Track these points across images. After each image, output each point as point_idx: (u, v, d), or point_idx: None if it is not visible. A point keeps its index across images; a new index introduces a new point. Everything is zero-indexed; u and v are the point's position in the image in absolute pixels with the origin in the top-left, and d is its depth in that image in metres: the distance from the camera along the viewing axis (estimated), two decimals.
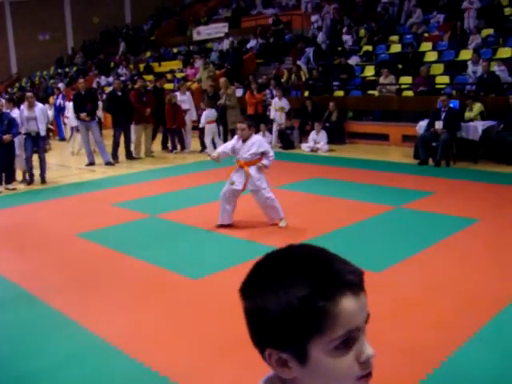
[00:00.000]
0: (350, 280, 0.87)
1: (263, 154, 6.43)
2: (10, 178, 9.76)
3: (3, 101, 10.93)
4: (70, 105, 13.43)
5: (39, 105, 10.22)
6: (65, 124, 17.13)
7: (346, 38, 17.10)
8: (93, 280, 5.14)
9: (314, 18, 19.16)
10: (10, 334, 4.08)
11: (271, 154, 6.46)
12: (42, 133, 9.93)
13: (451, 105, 10.61)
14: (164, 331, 4.02)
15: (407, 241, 5.88)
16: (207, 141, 12.91)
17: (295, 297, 0.85)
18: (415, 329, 3.86)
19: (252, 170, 6.38)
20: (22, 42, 29.84)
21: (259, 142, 6.47)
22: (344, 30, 17.43)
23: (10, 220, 7.60)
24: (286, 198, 8.20)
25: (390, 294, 4.52)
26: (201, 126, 12.96)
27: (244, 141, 6.42)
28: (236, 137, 6.60)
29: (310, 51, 17.02)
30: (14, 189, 9.68)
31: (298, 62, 16.45)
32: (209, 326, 4.05)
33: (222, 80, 13.67)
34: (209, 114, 12.85)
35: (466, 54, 13.70)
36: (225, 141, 13.89)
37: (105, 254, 5.87)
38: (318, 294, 0.85)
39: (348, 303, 0.86)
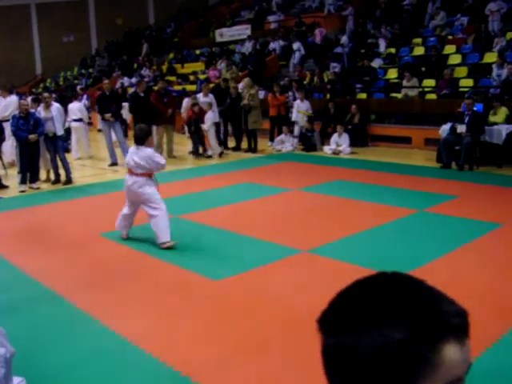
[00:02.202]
0: (456, 324, 0.75)
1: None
2: (35, 178, 9.85)
3: (29, 101, 11.07)
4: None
5: (55, 104, 10.25)
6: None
7: (380, 41, 17.00)
8: (116, 279, 5.20)
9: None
10: (34, 332, 4.13)
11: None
12: (59, 132, 9.95)
13: (475, 108, 10.51)
14: (185, 331, 4.05)
15: (430, 245, 5.84)
16: (213, 141, 12.95)
17: (391, 339, 0.73)
18: None
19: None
20: (46, 44, 30.29)
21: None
22: (377, 32, 17.34)
23: (34, 219, 7.69)
24: (307, 200, 8.21)
25: None
26: (207, 127, 12.84)
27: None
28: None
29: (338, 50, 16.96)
30: (37, 188, 9.80)
31: (333, 65, 16.40)
32: (229, 327, 4.07)
33: (246, 80, 13.73)
34: (212, 116, 12.92)
35: (490, 57, 13.55)
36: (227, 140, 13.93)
37: (128, 254, 5.93)
38: (418, 339, 0.73)
39: (451, 351, 0.74)
